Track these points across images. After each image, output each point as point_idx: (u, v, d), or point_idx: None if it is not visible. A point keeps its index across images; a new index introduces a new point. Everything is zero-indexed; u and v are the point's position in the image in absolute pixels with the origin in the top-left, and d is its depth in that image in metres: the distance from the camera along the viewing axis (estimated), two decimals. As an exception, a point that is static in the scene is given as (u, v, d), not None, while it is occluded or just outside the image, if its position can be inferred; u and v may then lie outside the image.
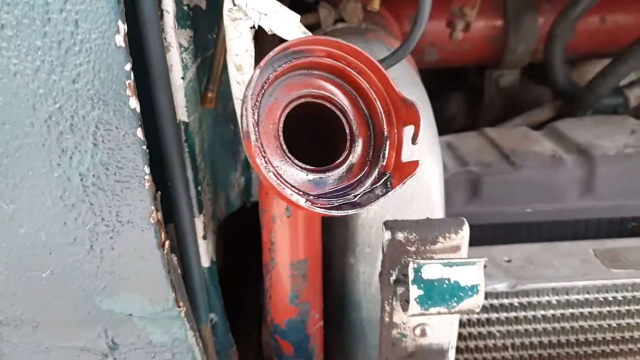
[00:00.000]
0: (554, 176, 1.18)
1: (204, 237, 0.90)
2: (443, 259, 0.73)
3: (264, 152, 0.64)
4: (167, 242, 0.75)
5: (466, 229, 0.75)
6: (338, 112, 0.71)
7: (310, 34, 0.81)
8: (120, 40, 0.62)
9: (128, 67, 0.64)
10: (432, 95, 1.52)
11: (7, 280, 0.76)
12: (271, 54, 0.63)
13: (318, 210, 0.63)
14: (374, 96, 0.71)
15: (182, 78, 0.78)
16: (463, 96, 1.83)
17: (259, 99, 0.64)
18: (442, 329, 0.82)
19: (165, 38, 0.74)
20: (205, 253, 0.91)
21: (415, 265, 0.67)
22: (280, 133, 0.67)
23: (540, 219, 1.18)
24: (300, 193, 0.64)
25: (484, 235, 1.18)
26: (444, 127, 1.87)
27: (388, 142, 0.71)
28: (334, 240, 0.97)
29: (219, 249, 1.08)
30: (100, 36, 0.62)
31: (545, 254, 1.11)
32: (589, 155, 1.19)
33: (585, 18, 1.48)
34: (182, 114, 0.80)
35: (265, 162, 0.63)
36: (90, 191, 0.70)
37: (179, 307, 0.79)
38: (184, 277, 0.85)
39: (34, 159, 0.68)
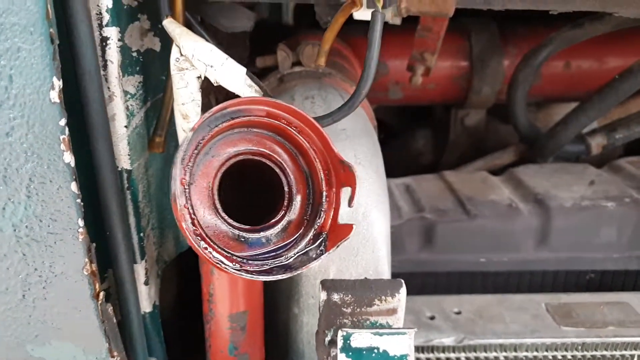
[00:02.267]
0: (509, 226, 1.21)
1: (146, 283, 0.91)
2: (373, 327, 0.75)
3: (194, 214, 0.65)
4: (102, 293, 0.76)
5: (403, 291, 0.77)
6: (277, 170, 0.73)
7: (256, 87, 0.83)
8: (55, 96, 0.63)
9: (62, 122, 0.65)
10: (399, 130, 1.55)
11: None
12: (207, 114, 0.64)
13: (245, 275, 0.64)
14: (314, 155, 0.73)
15: (126, 127, 0.80)
16: (430, 132, 1.87)
17: (191, 160, 0.65)
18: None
19: (108, 87, 0.76)
20: (146, 298, 0.92)
21: (344, 334, 0.69)
22: (215, 192, 0.68)
23: (495, 269, 1.21)
24: (229, 256, 0.66)
25: (437, 283, 1.21)
26: (410, 163, 1.93)
27: (326, 202, 0.73)
28: (278, 289, 0.98)
29: (174, 288, 1.09)
30: (34, 91, 0.63)
31: (496, 306, 1.13)
32: (545, 206, 1.23)
33: (550, 62, 1.53)
34: (124, 162, 0.81)
35: (194, 226, 0.64)
36: (24, 242, 0.71)
37: (112, 356, 0.80)
38: (123, 324, 0.86)
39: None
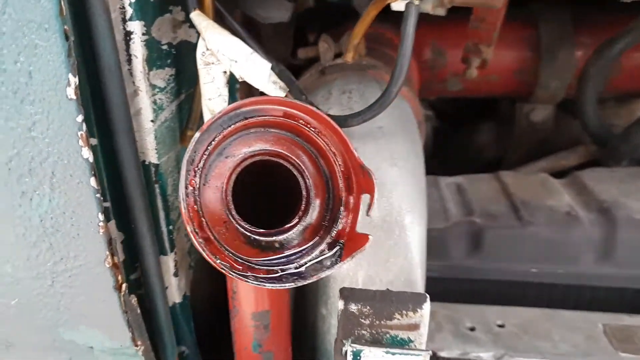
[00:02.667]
0: (566, 236, 1.12)
1: (175, 275, 0.92)
2: (393, 342, 0.71)
3: (203, 216, 0.64)
4: (124, 285, 0.78)
5: (426, 307, 0.73)
6: (295, 172, 0.70)
7: (281, 83, 0.81)
8: (71, 92, 0.64)
9: (79, 118, 0.66)
10: (462, 122, 1.46)
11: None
12: (217, 115, 0.63)
13: (252, 282, 0.63)
14: (334, 158, 0.70)
15: (152, 121, 0.80)
16: (494, 126, 1.76)
17: (202, 160, 0.64)
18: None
19: (133, 82, 0.76)
20: (176, 289, 0.93)
21: (354, 349, 0.66)
22: (229, 193, 0.67)
23: (547, 281, 1.12)
24: (236, 260, 0.64)
25: (482, 292, 1.14)
26: (471, 158, 1.83)
27: (345, 208, 0.70)
28: (308, 289, 0.96)
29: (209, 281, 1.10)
30: (52, 88, 0.64)
31: (545, 322, 1.05)
32: (611, 216, 1.12)
33: (633, 54, 1.38)
34: (151, 156, 0.82)
35: (201, 229, 0.63)
36: (49, 232, 0.73)
37: (136, 345, 0.82)
38: (150, 315, 0.88)
39: (3, 194, 0.72)
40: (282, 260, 0.68)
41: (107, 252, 0.74)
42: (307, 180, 0.70)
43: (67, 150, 0.68)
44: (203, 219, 0.64)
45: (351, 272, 0.91)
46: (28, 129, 0.67)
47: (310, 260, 0.68)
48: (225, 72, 0.81)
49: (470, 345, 0.99)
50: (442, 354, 0.98)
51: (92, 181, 0.69)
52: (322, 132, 0.69)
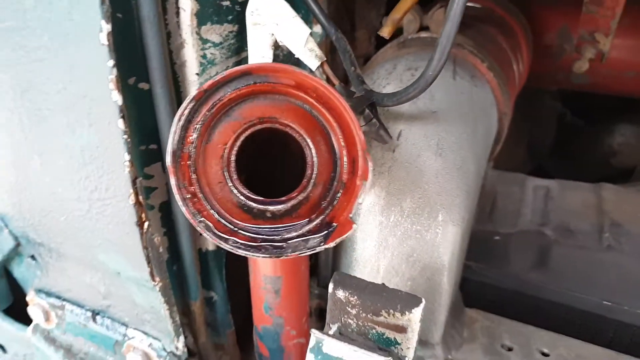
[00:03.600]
0: (654, 272, 0.95)
1: (210, 223, 0.96)
2: (378, 339, 0.68)
3: (194, 172, 0.65)
4: (146, 223, 0.84)
5: (417, 311, 0.68)
6: (303, 144, 0.68)
7: (318, 52, 0.78)
8: (103, 38, 0.69)
9: (111, 63, 0.71)
10: (595, 120, 1.31)
11: (40, 215, 0.94)
12: (222, 75, 0.63)
13: (225, 246, 0.64)
14: (341, 138, 0.66)
15: (198, 74, 0.83)
16: (632, 130, 1.52)
17: (203, 118, 0.65)
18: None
19: (180, 34, 0.79)
20: (211, 237, 0.98)
21: (316, 337, 0.64)
22: (232, 153, 0.68)
23: (618, 318, 0.97)
24: (218, 221, 0.65)
25: (535, 312, 1.02)
26: (599, 163, 1.61)
27: (345, 191, 0.67)
28: (337, 268, 0.95)
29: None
30: (87, 32, 0.69)
31: (600, 361, 0.92)
32: None
33: None
34: (191, 108, 0.85)
35: (190, 184, 0.65)
36: (87, 162, 0.81)
37: (154, 281, 0.89)
38: (178, 257, 0.94)
39: (55, 124, 0.81)
40: (269, 230, 0.67)
41: (131, 190, 0.80)
42: (315, 156, 0.68)
43: (100, 92, 0.73)
44: (194, 175, 0.65)
45: (374, 259, 0.87)
46: (70, 66, 0.74)
47: (296, 237, 0.67)
48: (272, 34, 0.80)
49: (502, 368, 0.91)
50: (463, 366, 0.92)
51: (120, 123, 0.75)
52: (333, 109, 0.66)
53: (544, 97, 1.67)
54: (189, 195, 0.65)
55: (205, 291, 1.03)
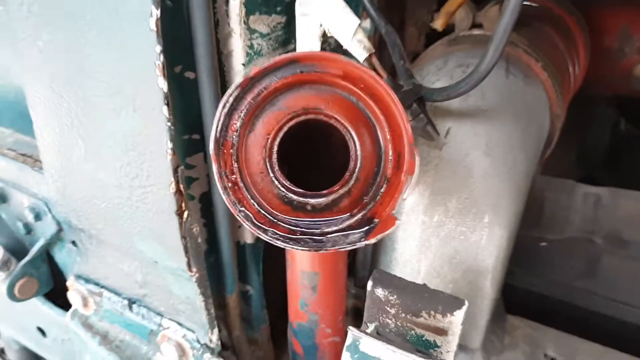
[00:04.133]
0: None
1: (248, 216, 0.96)
2: (417, 341, 0.66)
3: (235, 160, 0.65)
4: (186, 213, 0.84)
5: (459, 314, 0.65)
6: (348, 137, 0.67)
7: (366, 44, 0.76)
8: (152, 24, 0.69)
9: (158, 49, 0.71)
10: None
11: (82, 201, 0.95)
12: (269, 62, 0.62)
13: (263, 236, 0.63)
14: (388, 131, 0.65)
15: (244, 64, 0.82)
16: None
17: (247, 107, 0.64)
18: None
19: (228, 23, 0.79)
20: (249, 230, 0.98)
21: (353, 336, 0.63)
22: (274, 144, 0.67)
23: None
24: (258, 212, 0.65)
25: (582, 323, 0.98)
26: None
27: (388, 186, 0.65)
28: (377, 265, 0.93)
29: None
30: (137, 18, 0.70)
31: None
32: None
33: None
34: (235, 98, 0.84)
35: (232, 172, 0.64)
36: (130, 149, 0.82)
37: (190, 271, 0.89)
38: (216, 248, 0.94)
39: (100, 109, 0.82)
40: (308, 223, 0.66)
41: (172, 179, 0.80)
42: (359, 149, 0.67)
43: (145, 79, 0.74)
44: (235, 164, 0.65)
45: (415, 260, 0.85)
46: (119, 52, 0.74)
47: (336, 232, 0.65)
48: (320, 25, 0.79)
49: (542, 377, 0.87)
50: (503, 375, 0.89)
51: (165, 110, 0.75)
52: (381, 100, 0.64)
53: (598, 102, 1.61)
54: (230, 184, 0.64)
55: (242, 285, 1.02)
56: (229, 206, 0.63)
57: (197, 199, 0.89)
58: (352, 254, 1.06)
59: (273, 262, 1.02)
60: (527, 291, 1.02)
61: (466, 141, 0.82)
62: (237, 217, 0.63)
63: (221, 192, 0.63)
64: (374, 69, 0.78)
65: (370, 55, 0.76)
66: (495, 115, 0.83)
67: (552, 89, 0.96)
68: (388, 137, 0.64)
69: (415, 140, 0.63)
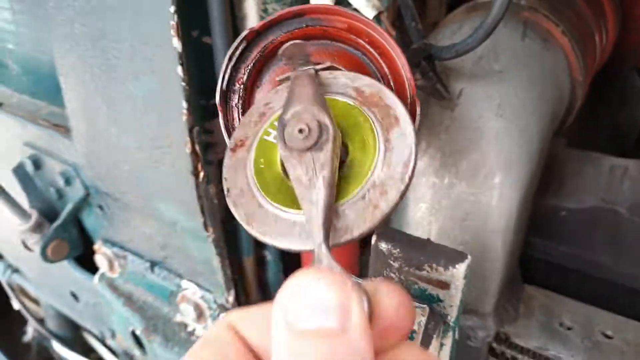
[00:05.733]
0: None
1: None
2: (421, 294, 0.67)
3: (243, 113, 0.67)
4: (202, 173, 0.86)
5: (461, 267, 0.65)
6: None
7: (376, 2, 0.77)
8: (166, -16, 0.72)
9: (172, 9, 0.73)
10: None
11: (107, 165, 1.00)
12: (274, 15, 0.64)
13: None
14: (393, 86, 0.65)
15: (257, 27, 0.84)
16: None
17: (253, 61, 0.66)
18: None
19: (243, -12, 0.81)
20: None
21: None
22: (282, 99, 0.68)
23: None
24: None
25: (604, 295, 0.95)
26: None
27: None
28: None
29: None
30: (151, -23, 0.72)
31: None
32: None
33: None
34: (249, 61, 0.86)
35: (232, 127, 0.66)
36: (148, 110, 0.85)
37: (207, 231, 0.91)
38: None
39: (121, 72, 0.85)
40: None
41: (188, 139, 0.83)
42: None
43: (161, 39, 0.76)
44: (242, 117, 0.67)
45: (425, 222, 0.85)
46: (136, 13, 0.77)
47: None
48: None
49: (555, 343, 0.86)
50: (517, 340, 0.88)
51: (179, 70, 0.77)
52: (385, 54, 0.65)
53: (631, 78, 1.55)
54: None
55: (259, 250, 1.04)
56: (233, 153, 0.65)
57: (215, 164, 0.91)
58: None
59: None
60: (544, 262, 1.00)
61: (479, 103, 0.81)
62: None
63: (227, 142, 0.65)
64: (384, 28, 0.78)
65: (379, 13, 0.77)
66: (510, 77, 0.82)
67: (572, 55, 0.94)
68: (393, 90, 0.65)
69: (424, 102, 0.63)
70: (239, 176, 0.54)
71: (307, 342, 0.31)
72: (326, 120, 0.49)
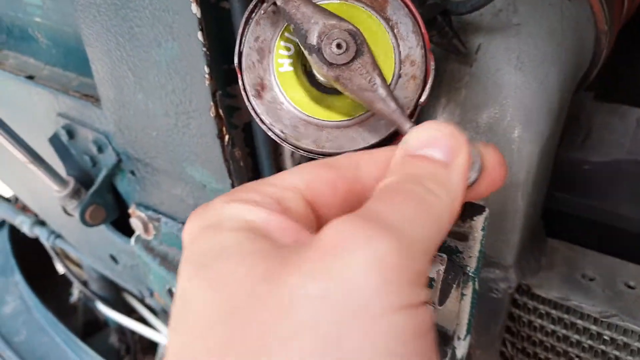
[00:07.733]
0: None
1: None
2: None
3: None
4: (227, 137, 0.89)
5: (479, 219, 0.66)
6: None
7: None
8: (183, -51, 0.73)
9: (189, -25, 0.75)
10: None
11: (136, 131, 1.03)
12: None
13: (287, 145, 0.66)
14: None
15: (274, -11, 0.84)
16: None
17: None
18: (446, 313, 0.78)
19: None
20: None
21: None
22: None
23: None
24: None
25: (630, 248, 0.95)
26: None
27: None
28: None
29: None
30: (169, -56, 0.74)
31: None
32: None
33: None
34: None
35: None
36: (172, 76, 0.87)
37: (234, 193, 0.94)
38: (260, 176, 0.99)
39: (143, 39, 0.88)
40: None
41: (211, 103, 0.85)
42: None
43: (180, 4, 0.78)
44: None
45: (446, 177, 0.86)
46: (154, -19, 0.79)
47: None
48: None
49: (577, 293, 0.87)
50: (538, 291, 0.89)
51: (199, 35, 0.79)
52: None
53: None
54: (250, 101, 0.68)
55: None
56: (254, 116, 0.67)
57: (240, 128, 0.94)
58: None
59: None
60: (568, 215, 1.00)
61: (497, 56, 0.81)
62: (262, 127, 0.67)
63: (246, 102, 0.67)
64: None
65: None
66: (528, 29, 0.81)
67: (597, 3, 0.92)
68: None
69: (442, 59, 0.63)
70: (283, 115, 0.59)
71: (417, 162, 0.43)
72: (350, 27, 0.53)
